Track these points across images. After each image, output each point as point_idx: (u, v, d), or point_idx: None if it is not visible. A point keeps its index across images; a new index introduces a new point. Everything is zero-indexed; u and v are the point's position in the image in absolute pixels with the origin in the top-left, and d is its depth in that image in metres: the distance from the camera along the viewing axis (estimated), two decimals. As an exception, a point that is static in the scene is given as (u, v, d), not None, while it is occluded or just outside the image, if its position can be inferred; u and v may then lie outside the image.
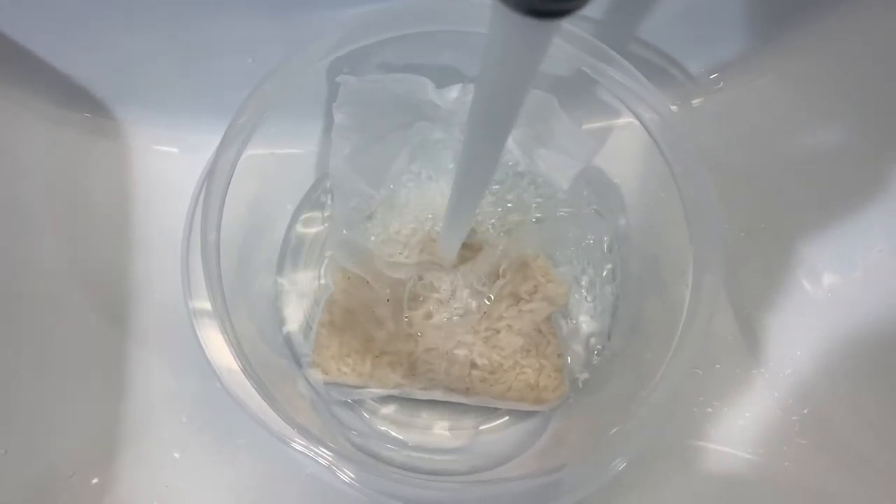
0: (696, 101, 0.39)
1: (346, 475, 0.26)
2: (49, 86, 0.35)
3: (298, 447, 0.26)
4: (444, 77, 0.34)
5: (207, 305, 0.28)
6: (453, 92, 0.33)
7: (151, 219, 0.37)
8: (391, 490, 0.26)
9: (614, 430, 0.29)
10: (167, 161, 0.38)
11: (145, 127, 0.38)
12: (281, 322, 0.36)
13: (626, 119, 0.35)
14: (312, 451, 0.26)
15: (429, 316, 0.34)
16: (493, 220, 0.36)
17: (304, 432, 0.26)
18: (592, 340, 0.36)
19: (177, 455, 0.33)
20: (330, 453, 0.26)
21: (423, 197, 0.36)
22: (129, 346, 0.35)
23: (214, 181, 0.29)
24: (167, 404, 0.34)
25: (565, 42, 0.31)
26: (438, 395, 0.33)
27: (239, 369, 0.28)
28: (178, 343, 0.34)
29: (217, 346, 0.28)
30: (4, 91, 0.34)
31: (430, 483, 0.27)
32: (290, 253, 0.38)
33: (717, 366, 0.35)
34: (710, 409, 0.34)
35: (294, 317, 0.37)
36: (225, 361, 0.28)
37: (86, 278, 0.35)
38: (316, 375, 0.34)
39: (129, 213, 0.37)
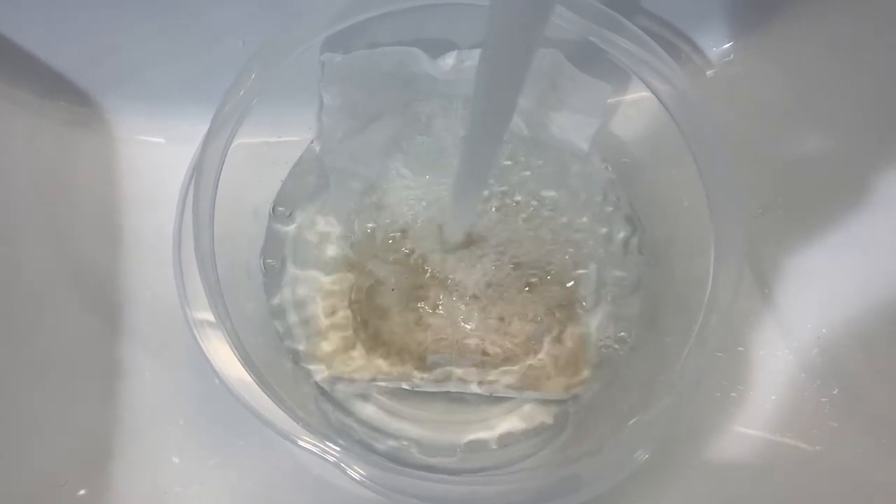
0: (708, 73, 0.38)
1: (356, 473, 0.25)
2: (28, 75, 0.33)
3: (306, 444, 0.25)
4: (438, 51, 0.32)
5: (203, 304, 0.26)
6: (449, 59, 0.31)
7: (139, 212, 0.36)
8: (406, 487, 0.25)
9: (634, 420, 0.28)
10: (154, 152, 0.37)
11: (130, 117, 0.36)
12: (280, 317, 0.35)
13: (641, 93, 0.34)
14: (320, 447, 0.25)
15: (436, 305, 0.33)
16: (502, 202, 0.34)
17: (312, 429, 0.25)
18: (610, 325, 0.35)
19: (175, 460, 0.32)
20: (339, 450, 0.25)
21: (426, 178, 0.34)
22: (121, 346, 0.33)
23: (203, 174, 0.28)
24: (164, 407, 0.33)
25: (573, 12, 0.30)
26: (451, 386, 0.32)
27: (240, 367, 0.26)
28: (173, 342, 0.33)
29: (216, 345, 0.26)
30: (-20, 80, 0.32)
31: (447, 478, 0.25)
32: (287, 245, 0.36)
33: (740, 348, 0.34)
34: (734, 394, 0.33)
35: (293, 310, 0.35)
36: (224, 360, 0.26)
37: (73, 275, 0.33)
38: (319, 371, 0.32)
39: (116, 207, 0.35)
